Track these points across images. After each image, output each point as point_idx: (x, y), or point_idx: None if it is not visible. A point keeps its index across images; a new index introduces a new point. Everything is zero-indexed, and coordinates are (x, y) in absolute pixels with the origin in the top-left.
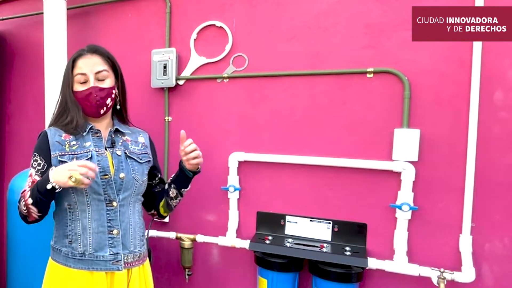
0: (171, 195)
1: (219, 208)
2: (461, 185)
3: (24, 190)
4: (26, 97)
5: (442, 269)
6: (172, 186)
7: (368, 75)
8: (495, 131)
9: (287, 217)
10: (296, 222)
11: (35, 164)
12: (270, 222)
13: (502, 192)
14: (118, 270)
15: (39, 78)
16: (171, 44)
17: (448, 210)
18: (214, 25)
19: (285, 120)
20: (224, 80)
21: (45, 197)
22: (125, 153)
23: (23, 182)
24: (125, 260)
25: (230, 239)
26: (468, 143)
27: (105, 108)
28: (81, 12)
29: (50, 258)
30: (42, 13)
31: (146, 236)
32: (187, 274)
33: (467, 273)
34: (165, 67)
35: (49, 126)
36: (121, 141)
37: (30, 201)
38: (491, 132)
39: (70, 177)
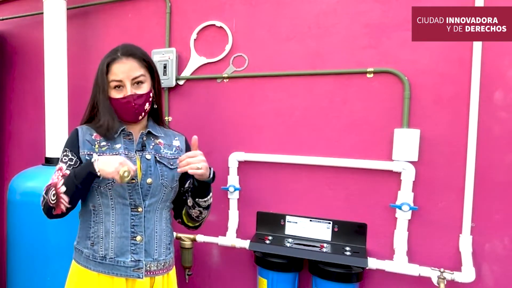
0: (189, 203)
1: (219, 208)
2: (461, 185)
3: (51, 183)
4: (26, 97)
5: (442, 269)
6: (188, 194)
7: (368, 75)
8: (495, 131)
9: (287, 217)
10: (296, 222)
11: (65, 159)
12: (270, 222)
13: (502, 192)
14: (139, 277)
15: (39, 78)
16: (171, 44)
17: (448, 210)
18: (214, 25)
19: (285, 120)
20: (224, 80)
21: (83, 184)
22: (155, 157)
23: (23, 182)
24: (148, 268)
25: (230, 239)
26: (468, 143)
27: (143, 113)
28: (81, 12)
29: (73, 258)
30: (42, 13)
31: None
32: (187, 274)
33: (467, 273)
34: (165, 67)
35: (80, 125)
36: (152, 144)
37: (63, 189)
38: (491, 132)
39: (122, 172)
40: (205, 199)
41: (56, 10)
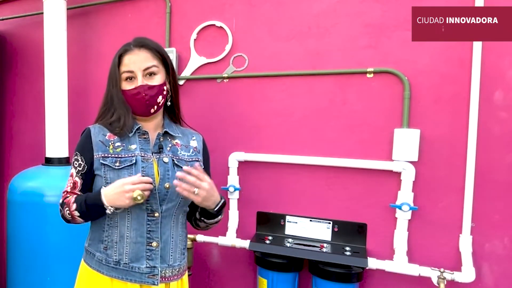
0: (197, 216)
1: None
2: (461, 185)
3: (66, 192)
4: (26, 97)
5: (442, 269)
6: (198, 210)
7: (368, 75)
8: (495, 131)
9: (287, 217)
10: (296, 222)
11: (76, 164)
12: (270, 222)
13: (502, 192)
14: (154, 284)
15: (39, 78)
16: (171, 44)
17: (448, 210)
18: (214, 25)
19: (285, 120)
20: (224, 80)
21: (98, 216)
22: (173, 160)
23: (23, 182)
24: (163, 275)
25: (230, 239)
26: (468, 143)
27: (155, 107)
28: (81, 12)
29: (82, 260)
30: (42, 13)
31: None
32: (187, 274)
33: (467, 273)
34: None
35: (94, 123)
36: (170, 145)
37: (77, 213)
38: (491, 132)
39: (135, 198)
40: (212, 220)
41: (56, 10)
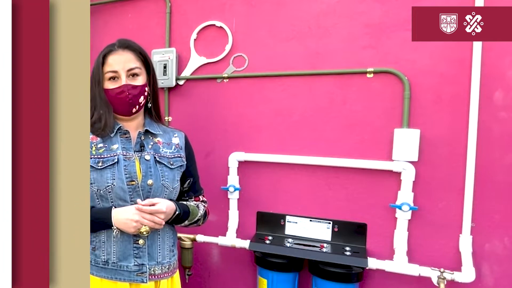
0: None
1: (219, 208)
2: (461, 185)
3: None
4: None
5: (442, 269)
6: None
7: (368, 75)
8: (495, 131)
9: (287, 217)
10: (296, 222)
11: None
12: (270, 222)
13: (502, 192)
14: (143, 282)
15: None
16: (171, 44)
17: (448, 210)
18: (214, 25)
19: (285, 120)
20: (224, 80)
21: (99, 230)
22: (155, 157)
23: None
24: (152, 272)
25: (230, 239)
26: (468, 143)
27: (137, 106)
28: None
29: None
30: None
31: None
32: (187, 274)
33: (467, 273)
34: (165, 67)
35: None
36: (151, 143)
37: None
38: (491, 132)
39: (139, 229)
40: (181, 224)
41: None
